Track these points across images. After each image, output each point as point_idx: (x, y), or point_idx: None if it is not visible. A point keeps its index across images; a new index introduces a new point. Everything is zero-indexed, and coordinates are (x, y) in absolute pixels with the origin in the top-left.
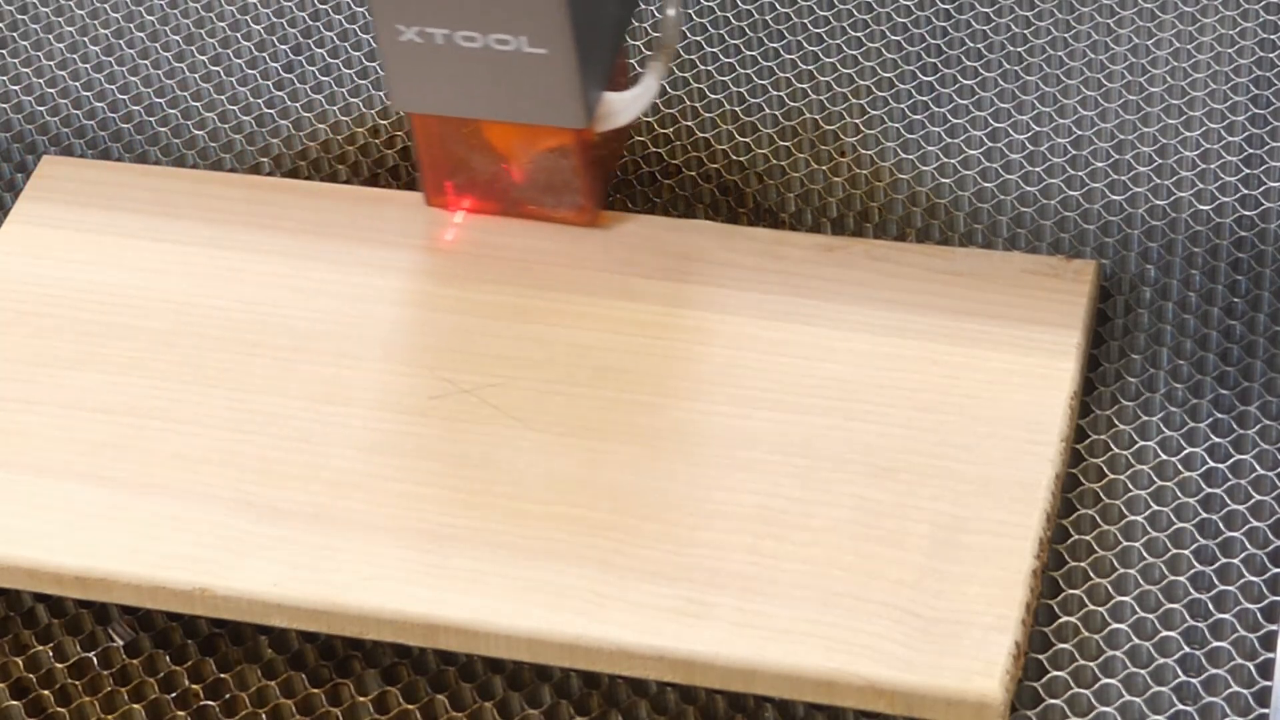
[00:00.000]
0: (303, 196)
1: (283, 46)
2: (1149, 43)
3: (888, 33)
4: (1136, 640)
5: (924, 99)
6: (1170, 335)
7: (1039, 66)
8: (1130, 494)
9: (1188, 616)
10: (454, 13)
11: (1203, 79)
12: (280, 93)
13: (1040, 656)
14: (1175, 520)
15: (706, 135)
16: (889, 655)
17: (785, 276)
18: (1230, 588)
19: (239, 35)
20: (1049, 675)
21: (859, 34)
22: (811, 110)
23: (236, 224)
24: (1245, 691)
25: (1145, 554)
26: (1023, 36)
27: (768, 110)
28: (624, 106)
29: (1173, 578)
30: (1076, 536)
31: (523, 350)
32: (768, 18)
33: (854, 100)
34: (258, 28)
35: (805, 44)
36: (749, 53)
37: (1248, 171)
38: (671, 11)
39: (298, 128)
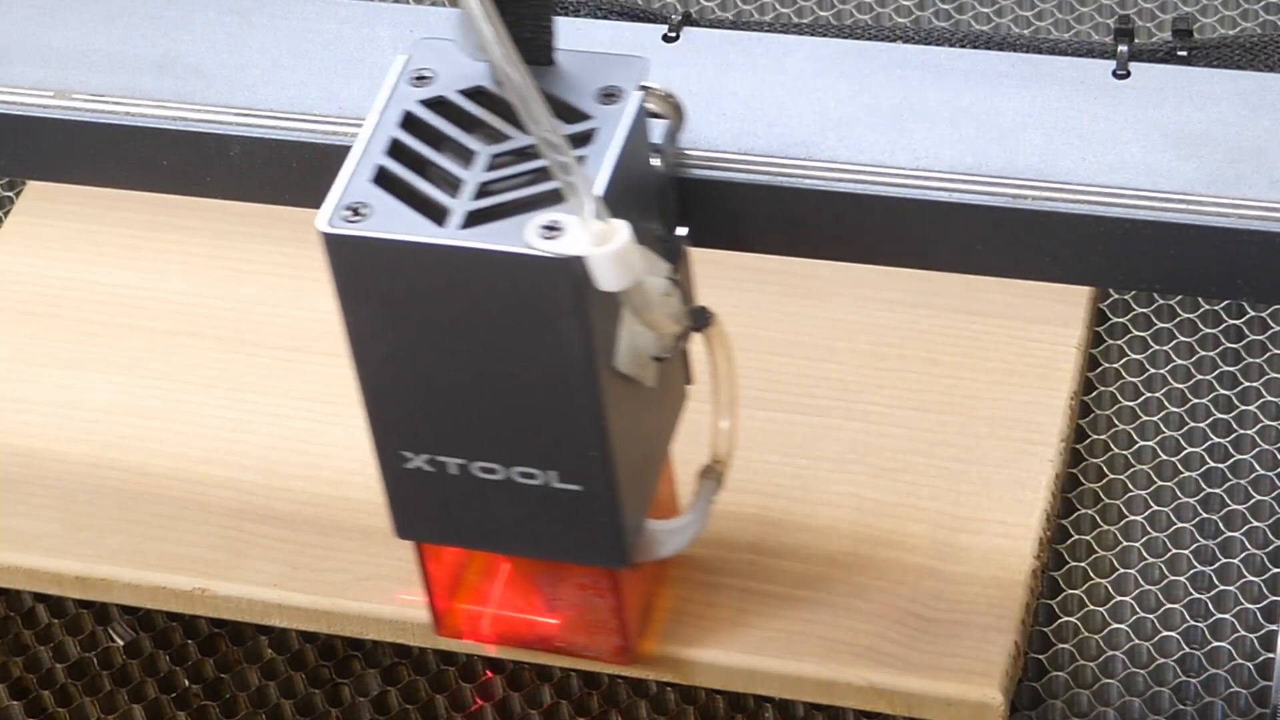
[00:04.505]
0: None
1: None
2: None
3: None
4: (1136, 640)
5: None
6: (1169, 335)
7: None
8: (1130, 494)
9: (1188, 616)
10: (470, 443)
11: None
12: None
13: (1040, 656)
14: (1175, 520)
15: None
16: (889, 656)
17: (785, 276)
18: (1230, 588)
19: None
20: (1049, 675)
21: (858, 34)
22: None
23: (236, 224)
24: (1245, 691)
25: (1145, 554)
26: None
27: None
28: (669, 538)
29: (1173, 578)
30: (1076, 536)
31: None
32: (768, 18)
33: None
34: None
35: None
36: None
37: None
38: (725, 424)
39: None
